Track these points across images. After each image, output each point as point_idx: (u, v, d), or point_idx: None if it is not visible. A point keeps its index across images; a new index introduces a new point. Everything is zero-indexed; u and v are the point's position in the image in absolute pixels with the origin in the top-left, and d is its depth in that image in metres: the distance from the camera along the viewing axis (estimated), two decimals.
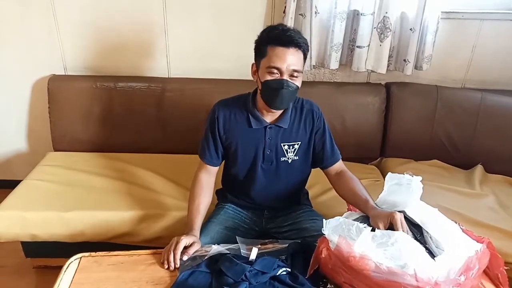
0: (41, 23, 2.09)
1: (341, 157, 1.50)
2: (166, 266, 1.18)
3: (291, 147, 1.44)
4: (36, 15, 2.07)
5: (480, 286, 1.09)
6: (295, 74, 1.29)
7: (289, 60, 1.27)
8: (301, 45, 1.29)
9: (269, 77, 1.30)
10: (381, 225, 1.13)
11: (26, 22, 2.09)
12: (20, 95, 2.26)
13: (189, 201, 1.43)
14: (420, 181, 1.18)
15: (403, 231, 1.09)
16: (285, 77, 1.28)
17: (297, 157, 1.45)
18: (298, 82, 1.32)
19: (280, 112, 1.42)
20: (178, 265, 1.18)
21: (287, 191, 1.53)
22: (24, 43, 2.13)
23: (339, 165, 1.50)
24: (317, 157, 1.49)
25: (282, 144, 1.43)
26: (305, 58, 1.34)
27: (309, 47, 1.94)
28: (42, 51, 2.15)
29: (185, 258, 1.20)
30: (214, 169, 1.50)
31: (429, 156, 2.18)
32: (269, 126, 1.42)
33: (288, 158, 1.45)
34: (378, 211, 1.19)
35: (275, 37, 1.29)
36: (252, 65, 1.38)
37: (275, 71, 1.28)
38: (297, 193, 1.59)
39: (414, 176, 1.19)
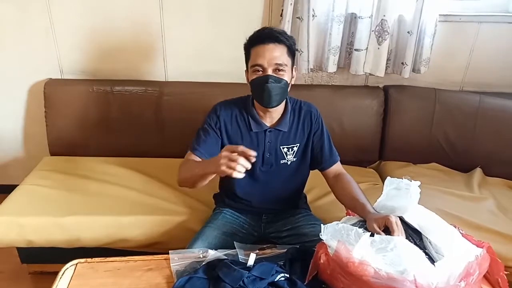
0: (37, 27, 2.08)
1: (339, 158, 1.50)
2: (241, 169, 1.06)
3: (290, 149, 1.44)
4: (32, 19, 2.06)
5: None
6: (280, 68, 1.30)
7: (268, 55, 1.28)
8: (280, 39, 1.30)
9: (254, 76, 1.32)
10: (375, 226, 1.12)
11: (23, 26, 2.08)
12: (17, 99, 2.25)
13: (187, 171, 1.31)
14: (419, 185, 1.18)
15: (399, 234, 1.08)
16: (269, 72, 1.29)
17: (295, 158, 1.45)
18: (286, 77, 1.32)
19: (279, 115, 1.42)
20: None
21: (285, 193, 1.53)
22: (21, 47, 2.12)
23: (338, 167, 1.49)
24: (315, 159, 1.48)
25: (281, 147, 1.43)
26: (291, 53, 1.33)
27: (307, 50, 1.99)
28: (39, 55, 2.14)
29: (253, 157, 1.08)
30: None
31: (427, 159, 2.17)
32: (269, 130, 1.41)
33: (287, 160, 1.45)
34: (374, 214, 1.19)
35: (254, 38, 1.33)
36: (245, 71, 1.39)
37: (259, 68, 1.30)
38: (296, 196, 1.59)
39: (412, 180, 1.19)
